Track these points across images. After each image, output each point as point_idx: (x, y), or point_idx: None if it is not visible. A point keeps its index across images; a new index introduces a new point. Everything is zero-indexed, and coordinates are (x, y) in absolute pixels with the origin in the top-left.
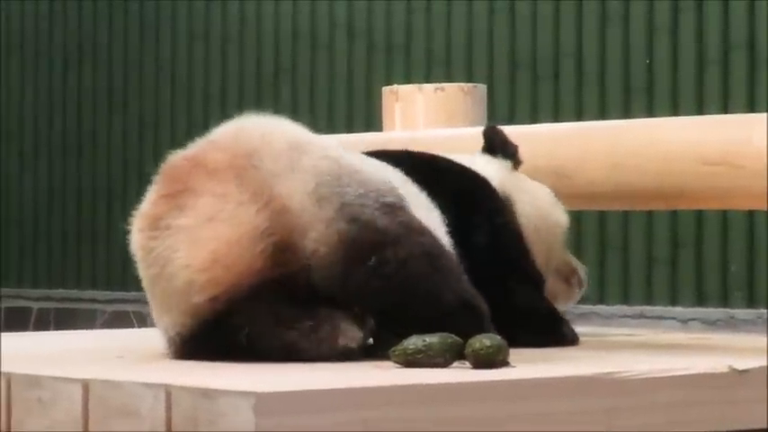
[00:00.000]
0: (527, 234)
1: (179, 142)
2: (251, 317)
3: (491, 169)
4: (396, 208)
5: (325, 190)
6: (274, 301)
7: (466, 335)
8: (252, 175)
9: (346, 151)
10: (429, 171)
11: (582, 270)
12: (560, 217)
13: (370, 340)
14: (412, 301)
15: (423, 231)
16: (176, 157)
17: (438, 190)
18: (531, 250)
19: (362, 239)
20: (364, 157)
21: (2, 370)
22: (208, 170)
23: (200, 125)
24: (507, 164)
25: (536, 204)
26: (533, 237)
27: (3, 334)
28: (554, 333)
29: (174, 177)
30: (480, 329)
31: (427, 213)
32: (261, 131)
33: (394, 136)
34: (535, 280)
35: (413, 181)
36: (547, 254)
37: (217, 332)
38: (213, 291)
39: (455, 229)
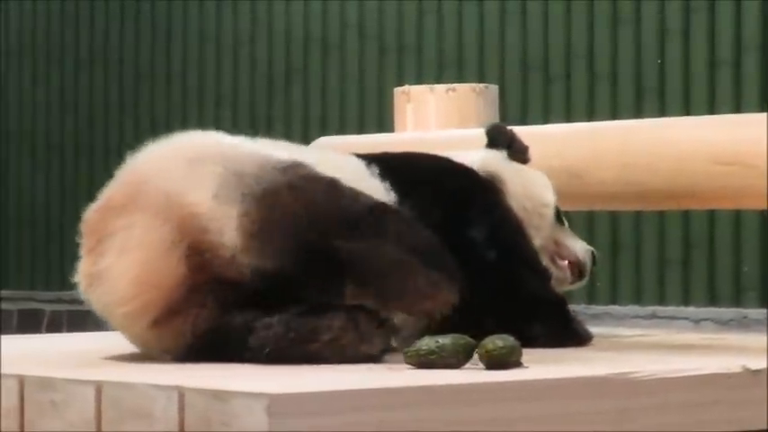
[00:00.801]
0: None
1: None
2: (268, 336)
3: (476, 156)
4: (294, 188)
5: (225, 191)
6: (288, 316)
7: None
8: (152, 197)
9: (264, 147)
10: (419, 171)
11: (582, 251)
12: (548, 196)
13: (393, 342)
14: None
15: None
16: (89, 212)
17: (429, 189)
18: (529, 238)
19: (273, 219)
20: (275, 153)
21: (15, 372)
22: (115, 210)
23: (212, 126)
24: (503, 153)
25: (524, 184)
26: (522, 216)
27: (16, 336)
28: (566, 327)
29: (91, 231)
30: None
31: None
32: (157, 156)
33: (406, 137)
34: (541, 272)
35: (400, 184)
36: (534, 232)
37: (227, 348)
38: (152, 314)
39: (448, 227)
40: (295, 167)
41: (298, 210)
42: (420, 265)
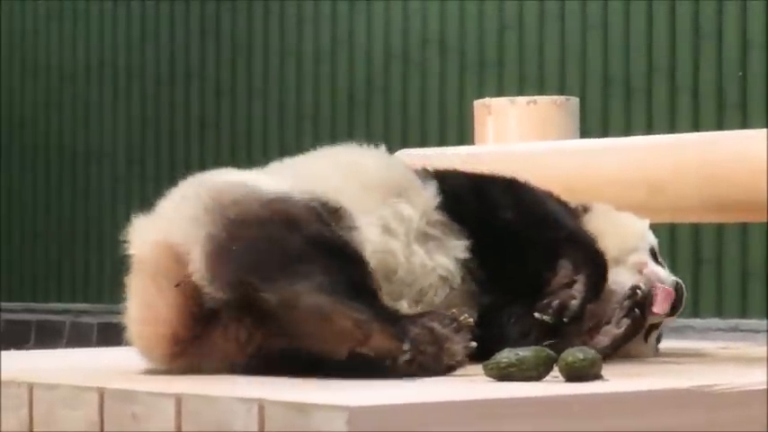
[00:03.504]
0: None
1: (271, 161)
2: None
3: None
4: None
5: (199, 216)
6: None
7: (326, 279)
8: (149, 239)
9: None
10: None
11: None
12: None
13: (473, 343)
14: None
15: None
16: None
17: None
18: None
19: (228, 248)
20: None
21: (96, 384)
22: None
23: (293, 144)
24: None
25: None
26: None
27: (96, 349)
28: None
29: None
30: (330, 265)
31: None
32: (160, 206)
33: (486, 149)
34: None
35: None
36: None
37: (295, 371)
38: (166, 347)
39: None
40: (275, 203)
41: (247, 246)
42: (345, 305)
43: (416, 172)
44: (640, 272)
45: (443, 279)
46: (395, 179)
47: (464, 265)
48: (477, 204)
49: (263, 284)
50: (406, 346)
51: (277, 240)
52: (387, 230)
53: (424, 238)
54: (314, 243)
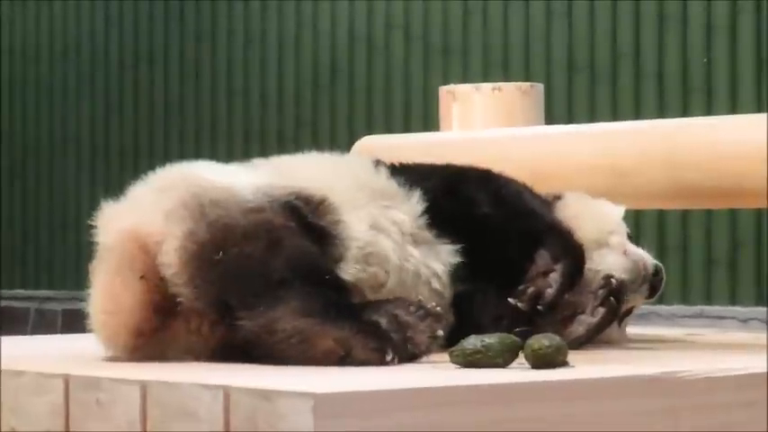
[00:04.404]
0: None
1: (236, 147)
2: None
3: None
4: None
5: (177, 212)
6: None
7: (303, 303)
8: (118, 228)
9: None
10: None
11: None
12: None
13: (440, 332)
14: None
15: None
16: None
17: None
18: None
19: (208, 255)
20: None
21: (61, 371)
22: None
23: (257, 129)
24: None
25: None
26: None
27: (61, 336)
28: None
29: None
30: (313, 295)
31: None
32: (133, 192)
33: (452, 136)
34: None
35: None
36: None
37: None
38: (126, 334)
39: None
40: (255, 212)
41: (229, 263)
42: (324, 325)
43: (396, 179)
44: (624, 253)
45: (434, 291)
46: (382, 184)
47: (454, 271)
48: (454, 203)
49: (241, 310)
50: (388, 357)
51: (258, 263)
52: (376, 227)
53: (416, 243)
54: (294, 264)
